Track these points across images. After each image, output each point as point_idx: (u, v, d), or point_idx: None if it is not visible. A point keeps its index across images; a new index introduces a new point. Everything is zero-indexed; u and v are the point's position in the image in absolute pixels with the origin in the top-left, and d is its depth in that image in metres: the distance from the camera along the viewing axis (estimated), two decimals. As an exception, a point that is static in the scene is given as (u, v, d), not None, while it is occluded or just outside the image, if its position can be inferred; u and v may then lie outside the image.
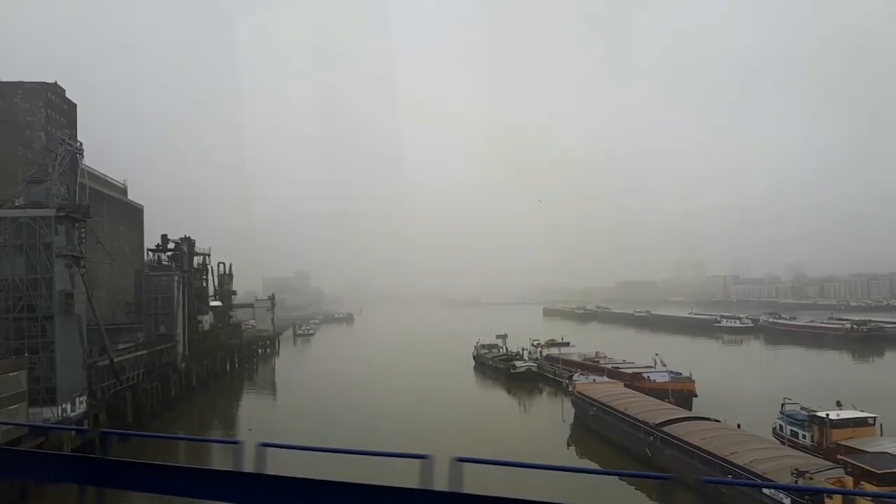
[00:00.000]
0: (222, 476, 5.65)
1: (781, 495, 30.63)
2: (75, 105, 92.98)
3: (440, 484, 5.25)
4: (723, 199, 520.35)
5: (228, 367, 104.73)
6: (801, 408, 43.82)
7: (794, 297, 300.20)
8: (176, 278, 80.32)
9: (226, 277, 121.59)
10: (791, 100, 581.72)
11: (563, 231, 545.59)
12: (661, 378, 64.04)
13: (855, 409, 42.02)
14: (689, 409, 58.70)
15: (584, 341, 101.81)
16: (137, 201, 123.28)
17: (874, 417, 40.49)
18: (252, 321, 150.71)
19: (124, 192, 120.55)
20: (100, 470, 6.31)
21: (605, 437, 50.68)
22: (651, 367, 69.20)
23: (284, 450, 6.56)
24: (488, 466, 6.03)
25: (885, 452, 30.99)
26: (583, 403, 55.90)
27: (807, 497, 28.83)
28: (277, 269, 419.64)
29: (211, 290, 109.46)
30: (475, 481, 5.34)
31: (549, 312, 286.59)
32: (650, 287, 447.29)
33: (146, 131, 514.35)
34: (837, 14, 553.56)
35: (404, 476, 5.49)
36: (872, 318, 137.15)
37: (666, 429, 42.10)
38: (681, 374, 65.08)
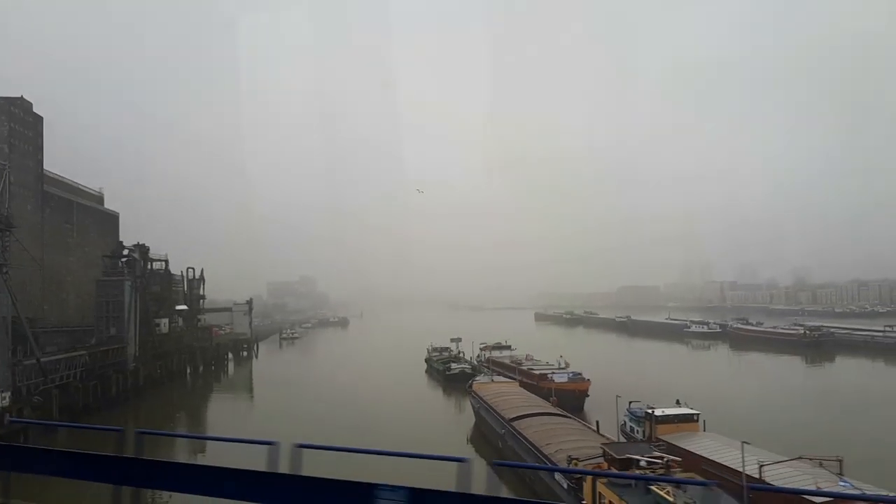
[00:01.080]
0: (259, 477, 5.64)
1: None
2: (41, 118, 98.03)
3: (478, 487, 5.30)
4: (730, 203, 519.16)
5: (192, 369, 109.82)
6: (646, 406, 47.18)
7: (787, 302, 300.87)
8: (127, 283, 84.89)
9: (195, 283, 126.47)
10: (791, 100, 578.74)
11: (566, 236, 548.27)
12: (560, 379, 67.67)
13: (686, 405, 45.49)
14: (582, 407, 62.55)
15: (554, 345, 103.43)
16: (113, 209, 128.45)
17: (697, 414, 43.95)
18: (229, 325, 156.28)
19: (100, 200, 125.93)
20: (136, 470, 6.31)
21: (482, 430, 54.50)
22: (563, 368, 72.70)
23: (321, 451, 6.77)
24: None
25: (643, 442, 34.62)
26: (475, 401, 59.71)
27: (576, 477, 32.31)
28: (282, 274, 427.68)
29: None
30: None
31: (541, 317, 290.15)
32: (652, 292, 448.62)
33: (147, 131, 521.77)
34: (838, 14, 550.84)
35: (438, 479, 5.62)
36: (831, 325, 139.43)
37: (515, 423, 45.75)
38: (580, 374, 68.72)
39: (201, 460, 37.81)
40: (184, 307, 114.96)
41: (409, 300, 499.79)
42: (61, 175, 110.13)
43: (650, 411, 44.52)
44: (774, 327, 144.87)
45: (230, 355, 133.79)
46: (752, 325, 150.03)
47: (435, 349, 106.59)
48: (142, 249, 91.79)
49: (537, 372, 72.41)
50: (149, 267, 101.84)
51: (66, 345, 76.81)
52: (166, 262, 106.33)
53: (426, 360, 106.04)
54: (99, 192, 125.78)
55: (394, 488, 5.20)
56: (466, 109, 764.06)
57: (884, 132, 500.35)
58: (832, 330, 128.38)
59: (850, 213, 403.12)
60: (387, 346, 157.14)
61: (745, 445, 30.05)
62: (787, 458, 32.92)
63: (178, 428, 68.36)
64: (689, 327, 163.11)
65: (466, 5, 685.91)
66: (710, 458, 35.46)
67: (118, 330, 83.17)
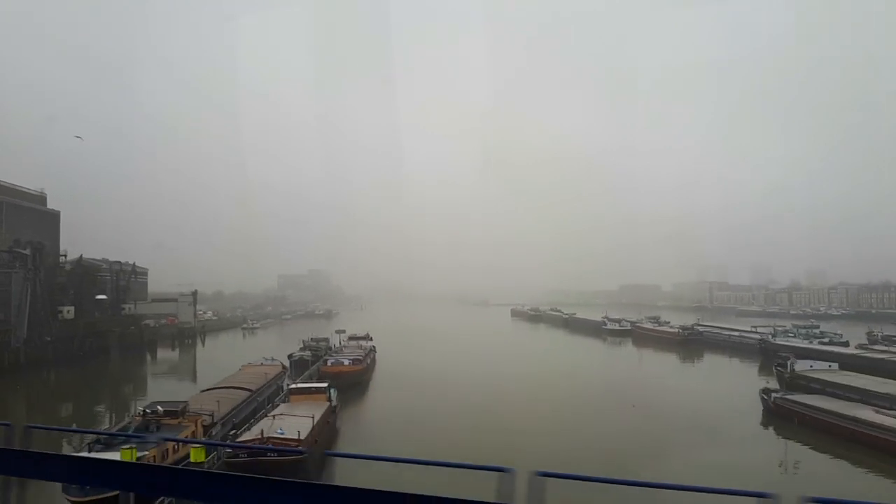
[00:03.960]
0: (286, 486, 5.36)
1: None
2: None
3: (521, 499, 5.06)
4: (729, 204, 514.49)
5: (105, 353, 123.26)
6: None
7: (765, 303, 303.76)
8: (16, 275, 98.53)
9: (124, 275, 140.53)
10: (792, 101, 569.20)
11: (572, 235, 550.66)
12: (345, 361, 78.46)
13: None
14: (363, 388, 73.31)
15: (493, 338, 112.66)
16: (55, 207, 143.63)
17: (327, 387, 54.36)
18: (173, 314, 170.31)
19: (42, 200, 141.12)
20: (157, 478, 6.22)
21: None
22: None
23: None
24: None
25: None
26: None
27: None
28: (295, 268, 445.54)
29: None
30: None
31: (515, 314, 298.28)
32: (652, 291, 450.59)
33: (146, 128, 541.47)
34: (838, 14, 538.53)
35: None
36: (722, 326, 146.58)
37: (203, 392, 56.86)
38: (360, 359, 79.36)
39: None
40: (103, 297, 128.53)
41: (420, 295, 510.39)
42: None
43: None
44: (663, 326, 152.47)
45: (174, 342, 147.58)
46: (651, 324, 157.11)
47: (313, 339, 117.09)
48: (34, 245, 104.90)
49: (349, 359, 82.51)
50: (64, 261, 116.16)
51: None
52: (64, 256, 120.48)
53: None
54: (40, 193, 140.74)
55: (426, 498, 4.78)
56: (466, 111, 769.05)
57: (882, 133, 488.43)
58: (700, 330, 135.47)
59: (850, 214, 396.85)
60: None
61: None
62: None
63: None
64: (605, 325, 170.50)
65: (468, 7, 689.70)
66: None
67: (5, 315, 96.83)
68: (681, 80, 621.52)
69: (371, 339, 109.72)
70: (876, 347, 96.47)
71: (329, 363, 78.14)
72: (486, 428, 53.80)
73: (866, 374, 64.64)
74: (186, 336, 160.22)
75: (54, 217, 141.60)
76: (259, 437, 38.42)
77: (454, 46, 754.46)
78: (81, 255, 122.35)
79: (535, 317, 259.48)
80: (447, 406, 65.58)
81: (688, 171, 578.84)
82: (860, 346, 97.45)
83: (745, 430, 54.21)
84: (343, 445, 53.65)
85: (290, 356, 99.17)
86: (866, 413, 46.92)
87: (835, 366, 66.76)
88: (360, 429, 62.57)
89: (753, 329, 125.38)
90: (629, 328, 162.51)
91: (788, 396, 55.10)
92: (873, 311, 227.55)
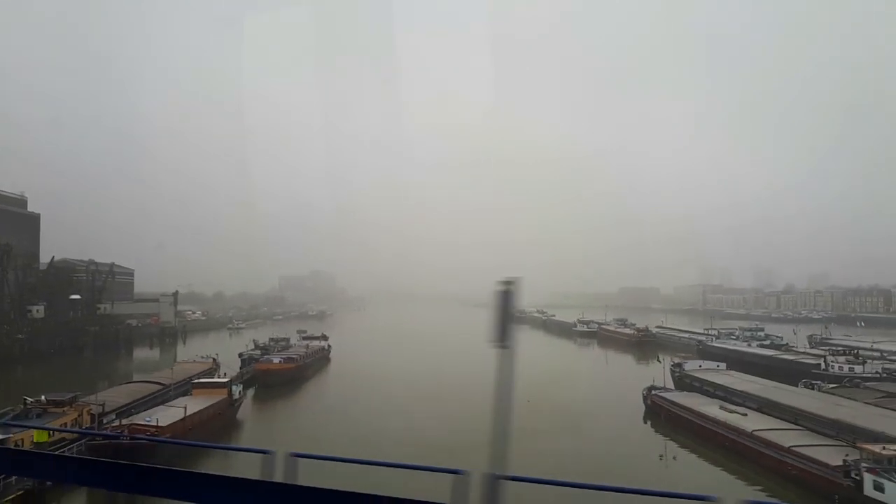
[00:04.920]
0: (254, 485, 5.58)
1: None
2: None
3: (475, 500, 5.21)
4: (731, 206, 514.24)
5: (77, 349, 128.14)
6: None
7: (753, 306, 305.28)
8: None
9: (100, 276, 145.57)
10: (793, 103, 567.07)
11: (575, 238, 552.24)
12: (275, 360, 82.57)
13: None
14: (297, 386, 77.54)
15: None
16: (35, 210, 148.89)
17: (228, 383, 58.38)
18: (155, 314, 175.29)
19: (22, 203, 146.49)
20: (136, 476, 6.23)
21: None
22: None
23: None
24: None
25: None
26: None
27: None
28: (297, 269, 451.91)
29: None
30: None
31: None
32: (652, 293, 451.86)
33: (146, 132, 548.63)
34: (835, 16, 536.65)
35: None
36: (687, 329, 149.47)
37: (122, 385, 61.31)
38: (293, 358, 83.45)
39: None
40: (77, 297, 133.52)
41: (423, 296, 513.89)
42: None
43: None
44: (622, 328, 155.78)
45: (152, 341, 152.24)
46: (615, 326, 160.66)
47: (272, 339, 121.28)
48: (3, 248, 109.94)
49: (282, 358, 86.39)
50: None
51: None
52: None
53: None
54: (20, 196, 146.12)
55: (384, 499, 4.95)
56: (467, 111, 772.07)
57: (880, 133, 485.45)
58: (653, 332, 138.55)
59: (850, 216, 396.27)
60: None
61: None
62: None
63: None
64: (576, 326, 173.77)
65: (470, 8, 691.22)
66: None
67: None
68: (681, 81, 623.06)
69: (326, 339, 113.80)
70: (812, 351, 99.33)
71: (260, 361, 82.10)
72: (389, 423, 57.99)
73: (757, 372, 67.78)
74: (167, 335, 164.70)
75: (34, 219, 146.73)
76: (124, 424, 42.54)
77: (455, 48, 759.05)
78: (53, 257, 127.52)
79: (519, 318, 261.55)
80: (373, 403, 70.04)
81: (691, 173, 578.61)
82: (777, 348, 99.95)
83: (622, 424, 57.56)
84: (241, 436, 57.74)
85: (240, 354, 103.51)
86: (712, 409, 50.04)
87: (723, 366, 69.84)
88: (267, 422, 67.11)
89: (705, 331, 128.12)
90: (595, 330, 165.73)
91: (661, 394, 58.24)
92: (853, 315, 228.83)
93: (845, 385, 58.21)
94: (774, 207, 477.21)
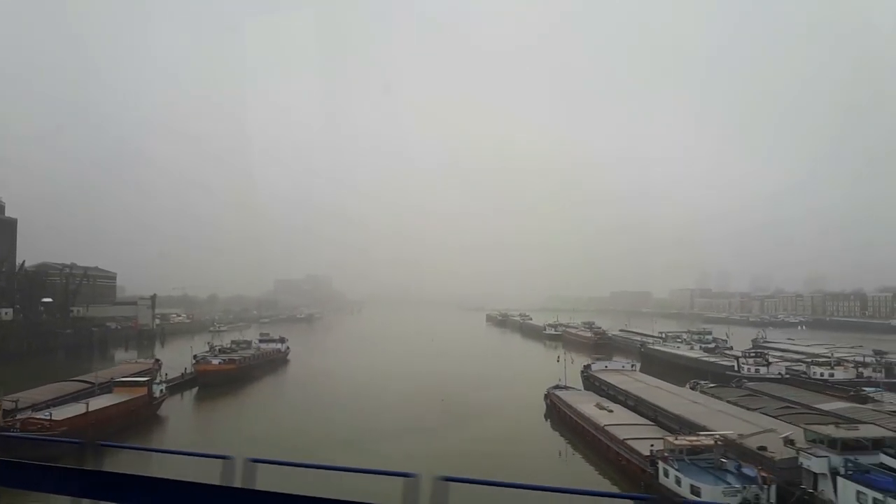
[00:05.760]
0: (215, 491, 5.70)
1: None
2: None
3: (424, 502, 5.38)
4: (727, 212, 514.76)
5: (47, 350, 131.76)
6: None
7: (733, 310, 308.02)
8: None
9: (74, 279, 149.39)
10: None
11: (571, 242, 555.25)
12: (214, 361, 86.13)
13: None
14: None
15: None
16: (12, 216, 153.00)
17: (147, 381, 61.89)
18: (134, 317, 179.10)
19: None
20: (99, 482, 6.36)
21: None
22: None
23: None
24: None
25: None
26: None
27: None
28: (294, 272, 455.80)
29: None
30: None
31: (489, 319, 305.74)
32: (643, 297, 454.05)
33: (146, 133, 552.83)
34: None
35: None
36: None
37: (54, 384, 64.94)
38: (234, 360, 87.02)
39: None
40: (48, 300, 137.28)
41: (422, 300, 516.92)
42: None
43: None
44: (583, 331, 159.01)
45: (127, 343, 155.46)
46: (577, 329, 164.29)
47: (234, 342, 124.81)
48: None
49: (223, 359, 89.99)
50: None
51: None
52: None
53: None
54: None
55: (341, 503, 5.18)
56: (467, 115, 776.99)
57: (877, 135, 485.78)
58: (610, 335, 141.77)
59: (845, 222, 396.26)
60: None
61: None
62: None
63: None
64: (545, 330, 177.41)
65: (471, 9, 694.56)
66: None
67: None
68: (680, 84, 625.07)
69: (284, 342, 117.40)
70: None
71: (199, 363, 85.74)
72: (307, 420, 61.91)
73: (684, 372, 70.92)
74: (145, 338, 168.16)
75: (10, 224, 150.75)
76: (18, 419, 46.08)
77: (456, 49, 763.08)
78: (24, 261, 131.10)
79: (501, 322, 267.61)
80: (302, 402, 73.79)
81: (690, 176, 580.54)
82: (710, 351, 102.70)
83: (528, 421, 60.60)
84: (158, 433, 61.14)
85: (194, 356, 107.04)
86: (587, 407, 53.03)
87: (638, 366, 73.21)
88: (194, 419, 70.72)
89: (660, 335, 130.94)
90: (561, 333, 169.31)
91: (556, 392, 61.28)
92: (827, 319, 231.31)
93: (732, 385, 61.24)
94: (774, 211, 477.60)
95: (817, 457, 29.83)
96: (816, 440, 31.35)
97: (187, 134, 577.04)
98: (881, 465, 28.46)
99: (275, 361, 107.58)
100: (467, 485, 5.95)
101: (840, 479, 28.37)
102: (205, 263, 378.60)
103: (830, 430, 31.40)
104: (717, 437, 35.95)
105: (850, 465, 28.84)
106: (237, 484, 6.08)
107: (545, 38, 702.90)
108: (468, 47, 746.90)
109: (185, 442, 56.58)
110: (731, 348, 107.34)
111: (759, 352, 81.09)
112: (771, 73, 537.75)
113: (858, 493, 27.24)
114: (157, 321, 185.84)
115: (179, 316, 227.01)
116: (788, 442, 33.34)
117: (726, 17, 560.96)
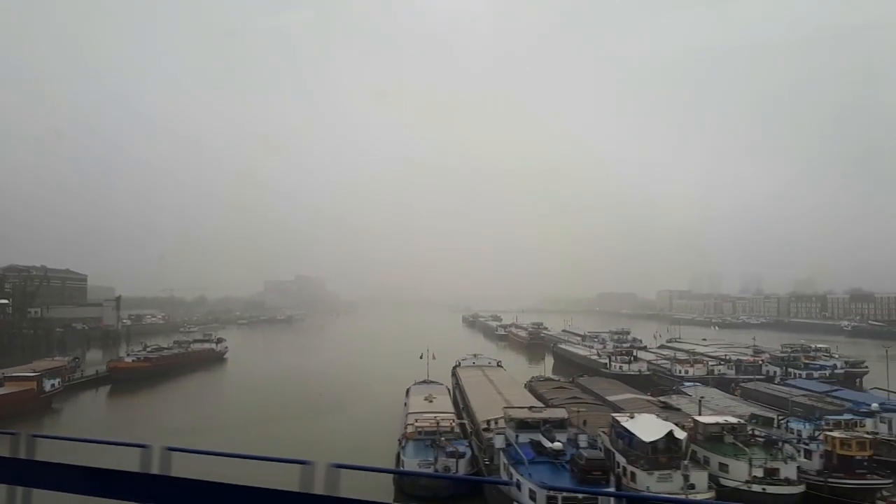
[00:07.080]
0: (135, 477, 6.01)
1: None
2: None
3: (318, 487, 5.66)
4: (731, 216, 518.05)
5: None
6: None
7: (714, 313, 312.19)
8: None
9: (31, 281, 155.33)
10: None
11: (563, 246, 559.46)
12: (127, 359, 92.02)
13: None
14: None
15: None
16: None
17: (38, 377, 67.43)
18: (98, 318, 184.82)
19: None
20: (29, 471, 6.58)
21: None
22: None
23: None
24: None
25: None
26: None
27: None
28: (284, 274, 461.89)
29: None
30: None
31: (465, 321, 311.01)
32: (629, 298, 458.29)
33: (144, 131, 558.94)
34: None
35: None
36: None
37: None
38: (150, 358, 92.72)
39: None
40: (4, 301, 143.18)
41: (415, 302, 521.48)
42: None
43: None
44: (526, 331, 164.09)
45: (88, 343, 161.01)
46: (517, 330, 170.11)
47: (176, 342, 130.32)
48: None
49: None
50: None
51: None
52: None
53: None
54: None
55: (248, 488, 5.57)
56: (468, 115, 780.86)
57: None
58: (542, 334, 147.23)
59: (833, 224, 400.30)
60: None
61: None
62: None
63: None
64: (497, 330, 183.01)
65: (473, 10, 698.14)
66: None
67: None
68: (680, 89, 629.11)
69: (221, 342, 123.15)
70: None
71: (113, 360, 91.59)
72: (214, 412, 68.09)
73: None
74: (111, 338, 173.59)
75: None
76: None
77: (457, 50, 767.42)
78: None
79: (472, 322, 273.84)
80: (221, 397, 79.81)
81: (690, 180, 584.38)
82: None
83: (377, 411, 65.60)
84: (50, 420, 66.56)
85: (128, 354, 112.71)
86: (416, 399, 57.83)
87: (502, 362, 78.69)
88: (101, 412, 76.57)
89: (588, 334, 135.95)
90: (507, 333, 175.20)
91: (413, 385, 66.40)
92: (786, 321, 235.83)
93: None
94: (772, 213, 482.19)
95: (497, 434, 34.79)
96: (507, 420, 36.31)
97: (186, 134, 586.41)
98: (531, 441, 33.34)
99: (207, 360, 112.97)
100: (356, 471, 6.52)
101: (500, 452, 33.32)
102: (200, 265, 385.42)
103: (514, 413, 36.31)
104: (454, 422, 40.94)
105: (517, 441, 33.77)
106: (155, 471, 6.29)
107: (545, 38, 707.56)
108: (470, 48, 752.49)
109: (82, 430, 62.42)
110: (646, 347, 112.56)
111: (628, 350, 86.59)
112: (770, 75, 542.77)
113: (503, 463, 32.20)
114: (127, 322, 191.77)
115: (154, 317, 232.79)
116: (485, 422, 38.30)
117: (726, 18, 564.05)
